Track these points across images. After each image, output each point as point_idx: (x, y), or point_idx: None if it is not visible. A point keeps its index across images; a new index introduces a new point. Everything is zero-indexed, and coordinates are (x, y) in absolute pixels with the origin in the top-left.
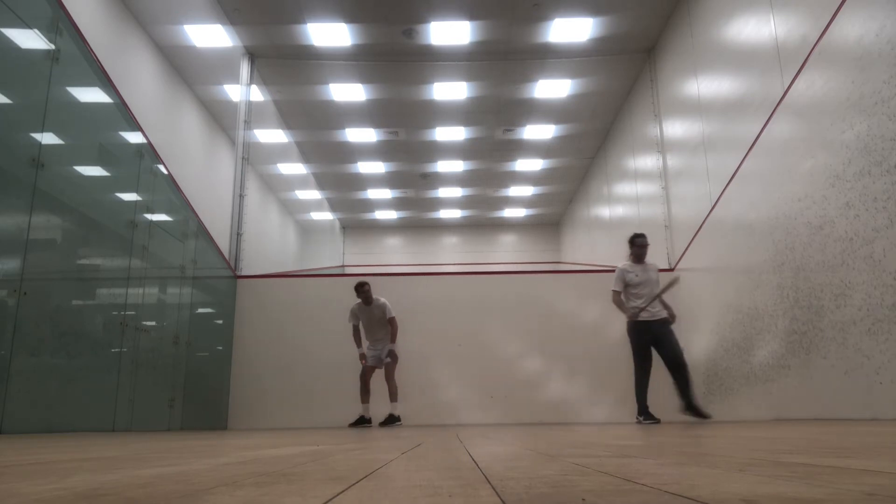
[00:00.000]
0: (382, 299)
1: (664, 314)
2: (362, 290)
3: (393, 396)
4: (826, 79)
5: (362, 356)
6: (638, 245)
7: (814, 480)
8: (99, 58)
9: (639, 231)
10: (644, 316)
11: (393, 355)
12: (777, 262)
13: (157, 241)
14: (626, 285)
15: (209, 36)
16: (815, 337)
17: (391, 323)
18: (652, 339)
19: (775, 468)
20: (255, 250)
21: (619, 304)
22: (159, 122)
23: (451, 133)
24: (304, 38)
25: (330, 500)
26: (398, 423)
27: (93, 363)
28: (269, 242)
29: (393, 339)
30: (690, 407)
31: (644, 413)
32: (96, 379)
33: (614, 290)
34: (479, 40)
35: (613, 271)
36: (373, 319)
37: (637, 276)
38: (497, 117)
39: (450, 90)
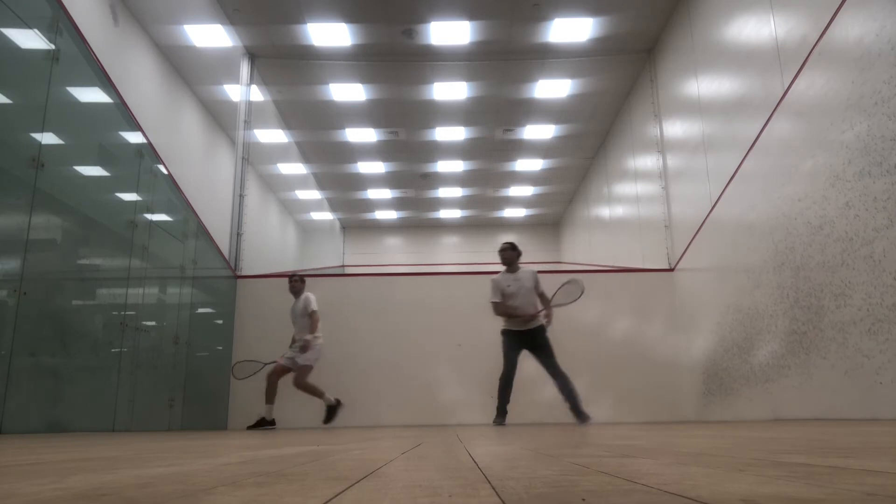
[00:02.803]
0: (311, 295)
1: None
2: (289, 280)
3: (269, 400)
4: (826, 79)
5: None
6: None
7: (814, 480)
8: (99, 58)
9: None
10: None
11: (304, 347)
12: (777, 262)
13: (157, 241)
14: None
15: (209, 36)
16: (815, 337)
17: (311, 317)
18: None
19: (775, 468)
20: (255, 250)
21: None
22: (159, 122)
23: (451, 133)
24: (304, 38)
25: (330, 500)
26: (271, 426)
27: (93, 363)
28: (269, 242)
29: (312, 331)
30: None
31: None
32: (96, 379)
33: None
34: (479, 40)
35: (613, 271)
36: (295, 313)
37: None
38: (497, 117)
39: (450, 90)
